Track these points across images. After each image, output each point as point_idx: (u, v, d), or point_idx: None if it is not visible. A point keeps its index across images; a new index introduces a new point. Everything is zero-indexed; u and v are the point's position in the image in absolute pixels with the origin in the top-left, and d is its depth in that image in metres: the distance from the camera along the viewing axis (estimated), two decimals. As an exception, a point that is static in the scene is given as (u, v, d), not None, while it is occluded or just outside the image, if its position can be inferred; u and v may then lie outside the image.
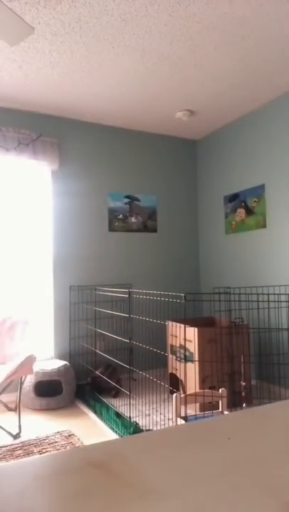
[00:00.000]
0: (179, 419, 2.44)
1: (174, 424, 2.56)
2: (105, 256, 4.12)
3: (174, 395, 2.40)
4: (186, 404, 2.45)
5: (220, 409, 2.46)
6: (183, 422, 2.45)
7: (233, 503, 0.53)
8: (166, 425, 2.91)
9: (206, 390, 2.55)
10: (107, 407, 3.21)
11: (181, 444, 0.73)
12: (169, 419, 3.02)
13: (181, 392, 3.24)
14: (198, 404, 2.93)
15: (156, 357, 3.91)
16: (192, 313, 4.32)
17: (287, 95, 3.48)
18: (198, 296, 4.54)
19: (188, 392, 2.62)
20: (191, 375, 3.12)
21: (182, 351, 3.29)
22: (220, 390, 2.46)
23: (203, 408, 2.95)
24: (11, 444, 2.73)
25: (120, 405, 3.30)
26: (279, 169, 3.57)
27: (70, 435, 2.84)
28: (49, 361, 3.67)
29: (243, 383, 3.02)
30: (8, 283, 3.73)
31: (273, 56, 2.92)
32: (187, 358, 3.17)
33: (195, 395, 2.50)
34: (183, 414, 2.48)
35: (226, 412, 2.50)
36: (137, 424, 2.88)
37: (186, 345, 3.23)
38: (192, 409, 2.96)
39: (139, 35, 2.63)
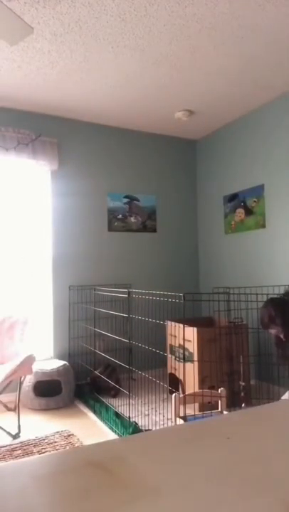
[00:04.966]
0: (178, 419, 2.44)
1: (173, 424, 2.56)
2: (105, 256, 4.11)
3: (173, 395, 2.41)
4: (184, 404, 2.46)
5: (219, 409, 2.47)
6: (182, 421, 2.45)
7: (233, 503, 0.53)
8: (166, 425, 2.91)
9: (205, 390, 2.55)
10: (107, 407, 3.21)
11: (180, 444, 0.73)
12: (168, 419, 3.02)
13: (181, 392, 3.24)
14: (197, 404, 2.93)
15: (156, 357, 3.91)
16: (191, 313, 4.32)
17: (286, 95, 3.49)
18: (197, 296, 4.55)
19: (187, 392, 2.62)
20: (190, 375, 3.12)
21: (181, 351, 3.29)
22: (219, 390, 2.46)
23: (202, 408, 2.95)
24: (11, 444, 2.73)
25: (119, 405, 3.30)
26: (278, 169, 3.57)
27: (69, 435, 2.84)
28: (48, 361, 3.67)
29: (242, 383, 3.02)
30: (8, 283, 3.73)
31: (272, 56, 2.92)
32: (186, 358, 3.17)
33: (194, 394, 2.50)
34: (182, 414, 2.49)
35: (225, 412, 2.50)
36: (136, 424, 2.88)
37: (186, 345, 3.23)
38: (191, 409, 2.96)
39: (138, 35, 2.63)
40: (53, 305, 3.85)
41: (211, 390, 2.58)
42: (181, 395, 2.51)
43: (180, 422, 2.48)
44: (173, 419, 2.42)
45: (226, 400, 2.51)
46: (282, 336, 2.42)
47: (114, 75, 3.14)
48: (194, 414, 2.56)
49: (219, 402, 2.45)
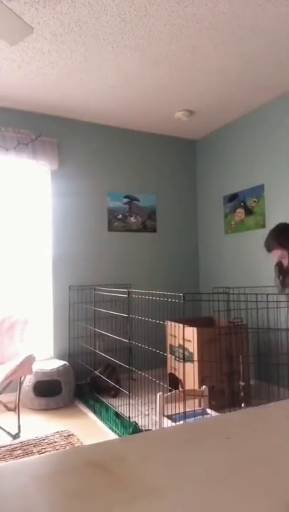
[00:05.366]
0: (164, 418, 2.48)
1: (159, 423, 2.60)
2: (105, 256, 4.11)
3: (158, 394, 2.44)
4: (172, 402, 2.50)
5: (202, 407, 2.52)
6: (168, 420, 2.49)
7: (233, 503, 0.53)
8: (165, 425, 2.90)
9: (188, 389, 2.61)
10: (107, 407, 3.21)
11: (180, 444, 0.73)
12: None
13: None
14: (197, 401, 2.94)
15: (156, 357, 3.91)
16: (191, 313, 4.32)
17: (286, 95, 3.49)
18: (197, 296, 4.55)
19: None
20: (190, 375, 3.12)
21: (181, 351, 3.29)
22: (202, 388, 2.50)
23: (200, 405, 2.96)
24: (11, 444, 2.73)
25: (119, 405, 3.30)
26: (278, 169, 3.57)
27: (69, 435, 2.84)
28: (48, 361, 3.67)
29: (242, 383, 3.02)
30: (8, 283, 3.73)
31: (272, 56, 2.92)
32: (186, 358, 3.17)
33: (194, 394, 2.51)
34: (168, 413, 2.53)
35: (207, 410, 2.55)
36: (136, 424, 2.88)
37: (186, 345, 3.23)
38: (190, 408, 2.96)
39: (138, 35, 2.63)
40: (53, 305, 3.85)
41: (195, 389, 2.61)
42: (166, 395, 2.55)
43: (166, 421, 2.51)
44: (158, 419, 2.45)
45: (209, 397, 2.55)
46: (285, 262, 2.24)
47: (114, 75, 3.14)
48: (183, 412, 2.58)
49: (202, 400, 2.48)
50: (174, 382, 3.41)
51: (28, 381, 3.39)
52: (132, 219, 4.27)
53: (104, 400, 3.35)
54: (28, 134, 3.67)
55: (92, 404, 3.32)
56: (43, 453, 2.61)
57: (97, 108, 3.76)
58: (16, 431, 2.90)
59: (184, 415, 2.52)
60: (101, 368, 3.66)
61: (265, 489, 0.56)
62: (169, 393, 2.58)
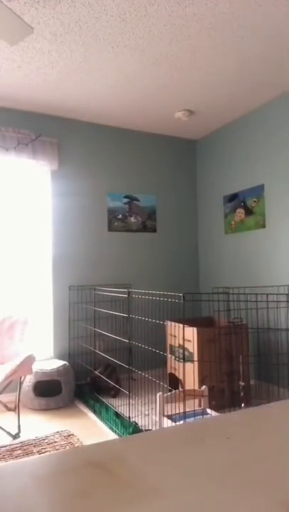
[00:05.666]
0: (164, 418, 2.48)
1: (159, 423, 2.60)
2: (105, 256, 4.12)
3: (158, 394, 2.44)
4: (172, 402, 2.50)
5: (202, 407, 2.52)
6: (168, 420, 2.50)
7: (233, 503, 0.53)
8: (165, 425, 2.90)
9: (188, 389, 2.62)
10: (107, 407, 3.21)
11: (180, 444, 0.73)
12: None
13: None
14: (197, 401, 2.94)
15: (156, 357, 3.91)
16: (191, 313, 4.32)
17: (286, 94, 3.49)
18: (197, 296, 4.55)
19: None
20: (190, 375, 3.12)
21: (181, 351, 3.29)
22: (202, 388, 2.51)
23: (200, 405, 2.96)
24: (11, 444, 2.73)
25: (119, 405, 3.30)
26: (278, 169, 3.57)
27: (69, 435, 2.84)
28: (48, 361, 3.67)
29: (242, 383, 3.02)
30: (8, 283, 3.73)
31: (272, 56, 2.92)
32: (186, 358, 3.17)
33: (195, 393, 2.52)
34: (168, 413, 2.53)
35: (207, 410, 2.56)
36: (136, 424, 2.88)
37: (186, 345, 3.23)
38: (190, 408, 2.96)
39: (138, 35, 2.63)
40: (53, 305, 3.85)
41: (195, 389, 2.61)
42: (166, 395, 2.55)
43: (166, 421, 2.51)
44: (158, 419, 2.46)
45: (209, 397, 2.55)
46: None
47: (114, 75, 3.14)
48: (184, 412, 2.58)
49: (202, 400, 2.49)
50: (174, 382, 3.41)
51: (28, 381, 3.39)
52: (132, 219, 4.28)
53: (104, 400, 3.35)
54: (28, 134, 3.67)
55: (92, 404, 3.32)
56: (43, 453, 2.61)
57: (97, 108, 3.76)
58: (16, 431, 2.90)
59: (184, 415, 2.52)
60: (101, 368, 3.66)
61: (265, 489, 0.56)
62: (169, 393, 2.58)
